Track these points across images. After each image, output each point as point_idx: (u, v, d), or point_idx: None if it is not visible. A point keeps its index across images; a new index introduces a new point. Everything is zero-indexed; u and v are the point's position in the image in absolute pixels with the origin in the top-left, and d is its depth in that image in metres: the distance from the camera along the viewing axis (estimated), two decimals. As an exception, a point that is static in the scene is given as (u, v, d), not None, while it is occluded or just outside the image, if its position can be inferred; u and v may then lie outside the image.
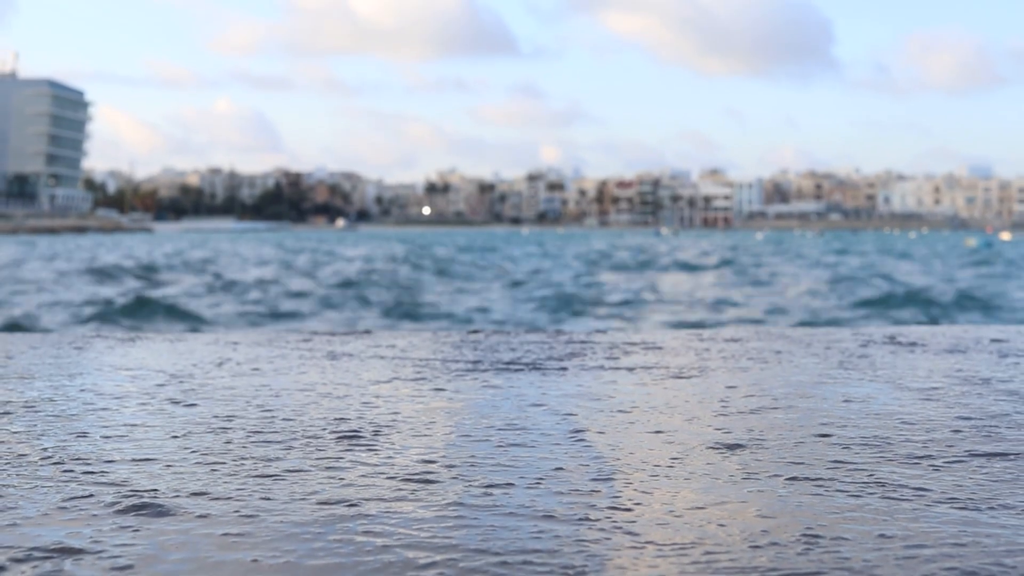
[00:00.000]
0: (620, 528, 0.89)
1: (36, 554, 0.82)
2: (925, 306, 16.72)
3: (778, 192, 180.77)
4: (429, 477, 1.07)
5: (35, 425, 1.34)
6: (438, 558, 0.81)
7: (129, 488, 1.02)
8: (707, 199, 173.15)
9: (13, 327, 12.56)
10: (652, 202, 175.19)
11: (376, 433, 1.30)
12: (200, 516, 0.93)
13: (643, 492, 1.01)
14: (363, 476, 1.07)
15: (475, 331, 2.51)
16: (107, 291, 18.99)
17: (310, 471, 1.10)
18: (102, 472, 1.09)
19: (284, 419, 1.39)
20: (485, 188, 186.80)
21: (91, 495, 1.00)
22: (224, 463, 1.13)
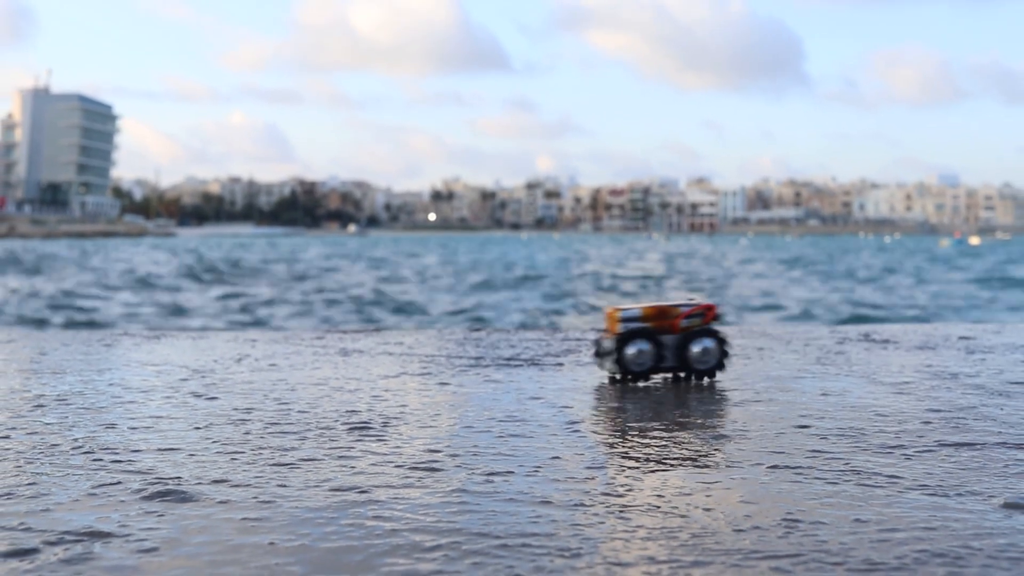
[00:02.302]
0: (613, 513, 0.89)
1: (68, 537, 0.82)
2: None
3: (760, 199, 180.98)
4: (434, 465, 1.07)
5: (67, 417, 1.35)
6: (443, 541, 0.81)
7: (154, 476, 1.02)
8: (694, 206, 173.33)
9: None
10: (642, 209, 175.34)
11: (385, 424, 1.30)
12: (221, 502, 0.93)
13: (634, 480, 1.01)
14: (373, 464, 1.08)
15: (477, 329, 2.51)
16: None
17: (323, 460, 1.10)
18: (129, 461, 1.09)
19: (299, 411, 1.39)
20: (487, 196, 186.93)
21: (119, 482, 1.00)
22: (243, 452, 1.13)
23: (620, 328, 1.61)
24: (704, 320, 1.64)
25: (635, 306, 1.63)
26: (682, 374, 1.66)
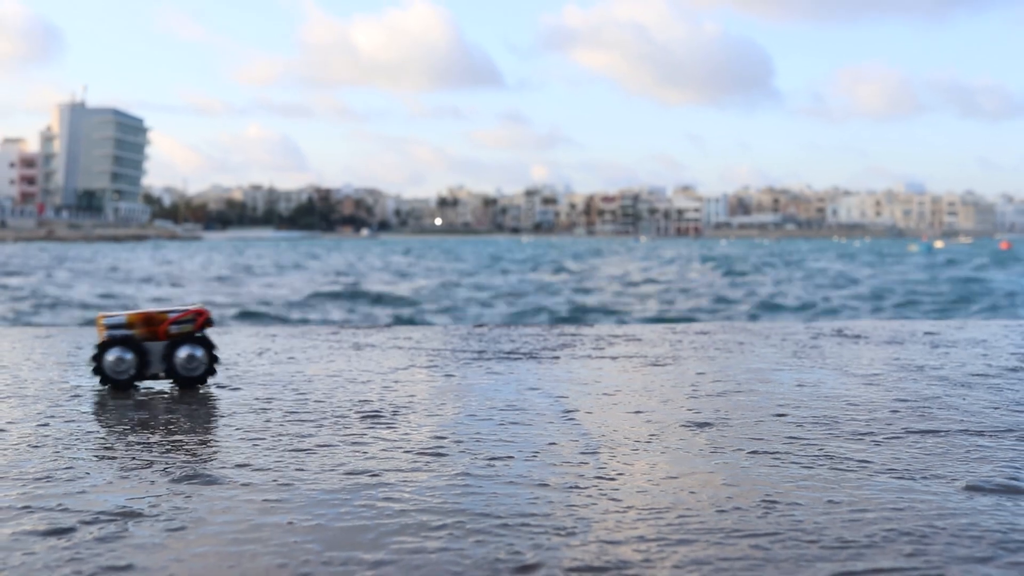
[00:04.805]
0: (605, 495, 0.89)
1: (102, 517, 0.82)
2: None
3: (741, 205, 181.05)
4: (440, 451, 1.07)
5: (100, 406, 1.34)
6: (448, 521, 0.81)
7: (182, 460, 1.02)
8: (680, 211, 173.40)
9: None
10: (632, 214, 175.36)
11: (395, 413, 1.30)
12: (243, 485, 0.93)
13: (625, 464, 1.01)
14: (383, 450, 1.08)
15: (480, 325, 2.51)
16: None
17: (338, 446, 1.10)
18: (159, 447, 1.09)
19: (316, 401, 1.39)
20: (488, 202, 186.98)
21: (149, 466, 1.00)
22: (264, 439, 1.13)
23: (105, 335, 1.48)
24: (195, 326, 1.49)
25: (120, 312, 1.50)
26: (170, 381, 1.52)
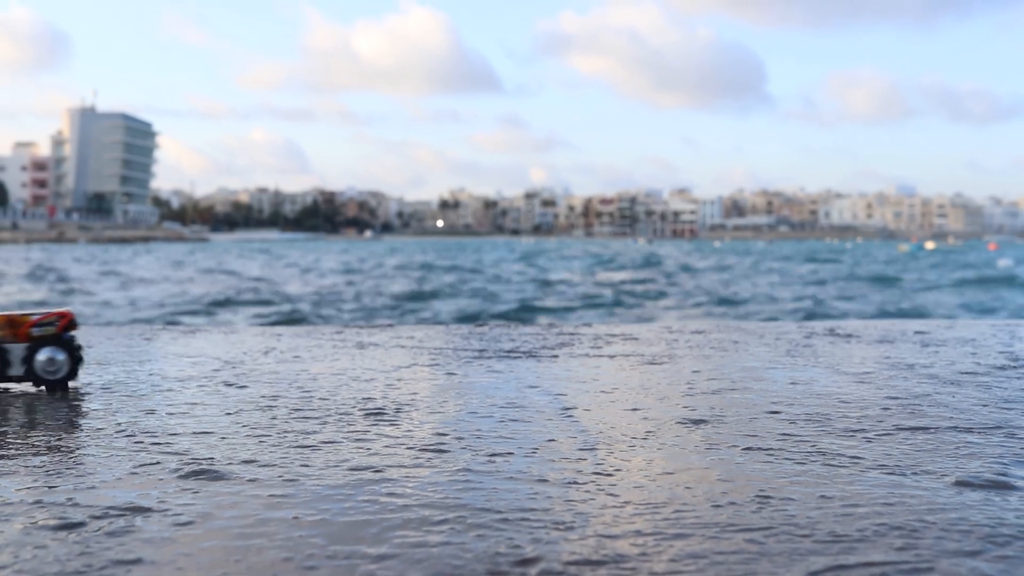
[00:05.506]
0: (603, 490, 0.89)
1: (112, 512, 0.82)
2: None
3: (736, 207, 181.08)
4: (442, 447, 1.07)
5: (111, 404, 1.35)
6: (450, 515, 0.81)
7: (190, 457, 1.02)
8: (676, 213, 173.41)
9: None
10: (630, 216, 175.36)
11: (398, 410, 1.30)
12: (250, 480, 0.93)
13: (622, 460, 1.01)
14: (386, 446, 1.08)
15: (481, 325, 2.51)
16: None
17: (342, 442, 1.10)
18: (167, 443, 1.09)
19: (320, 399, 1.39)
20: (489, 204, 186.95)
21: (158, 462, 1.00)
22: (270, 436, 1.13)
23: None
24: (57, 328, 1.44)
25: None
26: (32, 384, 1.46)
